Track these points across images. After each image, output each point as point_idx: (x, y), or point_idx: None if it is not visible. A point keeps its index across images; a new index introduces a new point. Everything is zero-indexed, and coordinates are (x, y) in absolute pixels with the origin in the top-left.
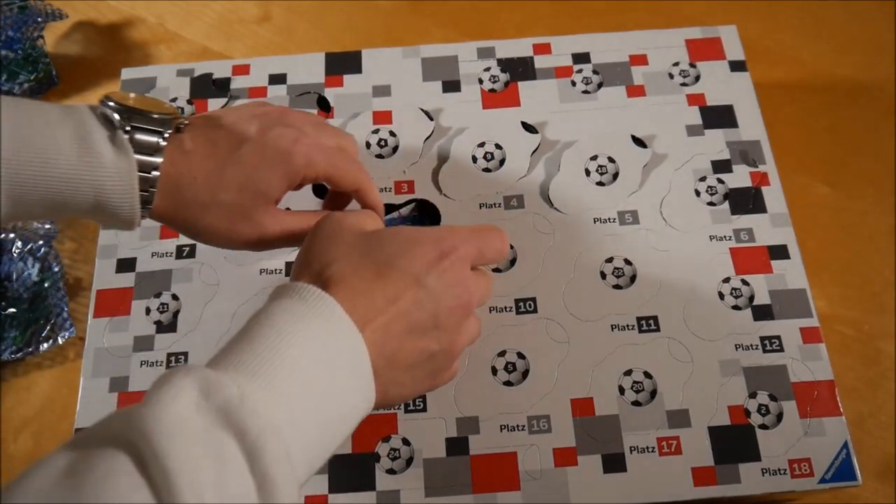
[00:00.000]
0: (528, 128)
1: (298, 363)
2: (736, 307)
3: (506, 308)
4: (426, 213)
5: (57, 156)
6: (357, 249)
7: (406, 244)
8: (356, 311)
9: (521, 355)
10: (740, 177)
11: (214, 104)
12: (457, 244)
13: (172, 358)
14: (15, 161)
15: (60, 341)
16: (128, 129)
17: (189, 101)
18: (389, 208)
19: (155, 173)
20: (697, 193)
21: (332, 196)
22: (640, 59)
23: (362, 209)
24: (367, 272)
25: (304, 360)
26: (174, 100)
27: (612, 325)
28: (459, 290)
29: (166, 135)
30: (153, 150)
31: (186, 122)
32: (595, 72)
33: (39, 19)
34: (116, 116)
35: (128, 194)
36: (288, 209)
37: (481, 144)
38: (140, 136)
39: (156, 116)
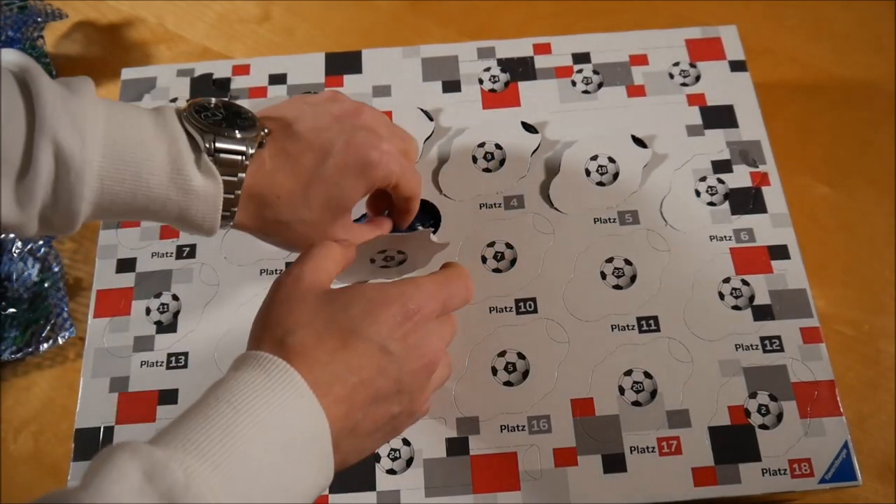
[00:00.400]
0: (529, 128)
1: (253, 445)
2: (736, 307)
3: (506, 308)
4: (427, 213)
5: (149, 176)
6: (320, 314)
7: (370, 306)
8: (319, 384)
9: (521, 355)
10: (740, 177)
11: None
12: (422, 304)
13: (172, 358)
14: (108, 176)
15: (60, 341)
16: (214, 149)
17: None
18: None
19: (238, 192)
20: (697, 193)
21: (378, 197)
22: (641, 59)
23: (319, 254)
24: (330, 341)
25: (259, 442)
26: (174, 100)
27: (612, 326)
28: (423, 351)
29: (250, 152)
30: (237, 168)
31: (266, 131)
32: (595, 72)
33: (39, 19)
34: (200, 140)
35: (211, 214)
36: (355, 221)
37: (481, 144)
38: (225, 157)
39: (239, 136)
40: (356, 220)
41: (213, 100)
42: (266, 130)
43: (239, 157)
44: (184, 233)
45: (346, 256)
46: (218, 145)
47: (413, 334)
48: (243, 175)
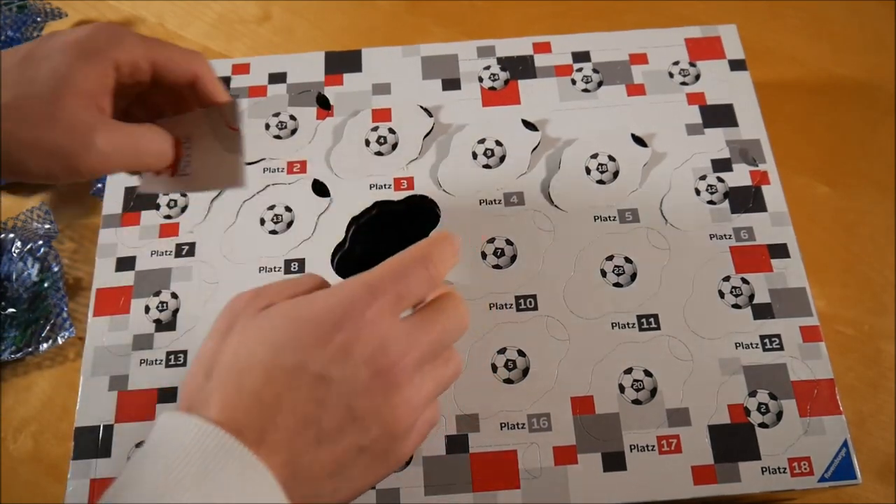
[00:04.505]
0: (529, 125)
1: None
2: (736, 306)
3: (506, 305)
4: (422, 209)
5: None
6: (235, 363)
7: (292, 327)
8: (245, 433)
9: (521, 353)
10: (740, 175)
11: None
12: (359, 308)
13: (171, 356)
14: None
15: (60, 341)
16: None
17: None
18: (386, 204)
19: None
20: (697, 192)
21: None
22: (640, 58)
23: (285, 282)
24: (251, 378)
25: None
26: None
27: (612, 323)
28: (376, 363)
29: None
30: None
31: None
32: (595, 70)
33: (39, 18)
34: None
35: None
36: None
37: (481, 141)
38: None
39: None
40: None
41: None
42: None
43: None
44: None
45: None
46: None
47: (357, 346)
48: None
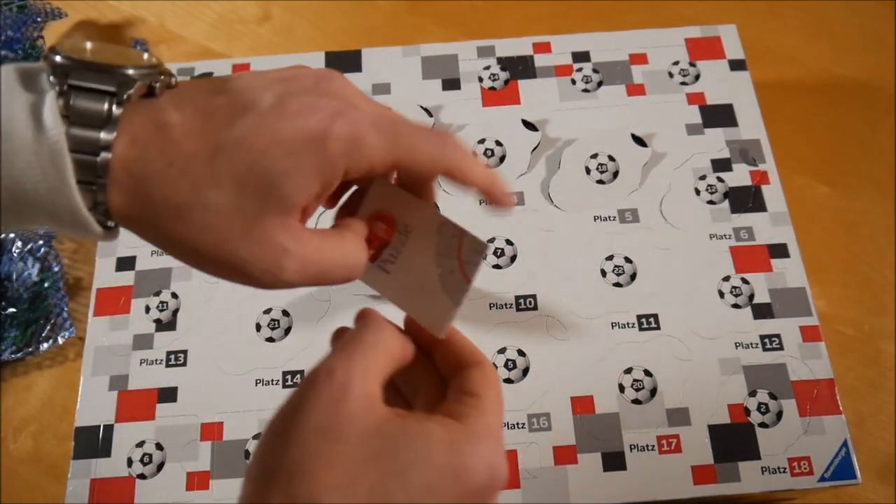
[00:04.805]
0: (529, 125)
1: None
2: (736, 305)
3: (506, 305)
4: None
5: None
6: (366, 476)
7: (440, 480)
8: None
9: (521, 352)
10: (740, 175)
11: None
12: (505, 473)
13: (171, 356)
14: None
15: (60, 341)
16: (64, 89)
17: None
18: None
19: (105, 155)
20: (697, 192)
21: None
22: (640, 58)
23: (370, 344)
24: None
25: None
26: None
27: (612, 323)
28: None
29: (124, 97)
30: (101, 121)
31: (164, 80)
32: (595, 70)
33: (39, 18)
34: (50, 76)
35: (56, 187)
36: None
37: (481, 141)
38: (82, 103)
39: (106, 71)
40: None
41: (90, 44)
42: (165, 80)
43: (103, 106)
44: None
45: (404, 348)
46: (73, 83)
47: None
48: (111, 135)
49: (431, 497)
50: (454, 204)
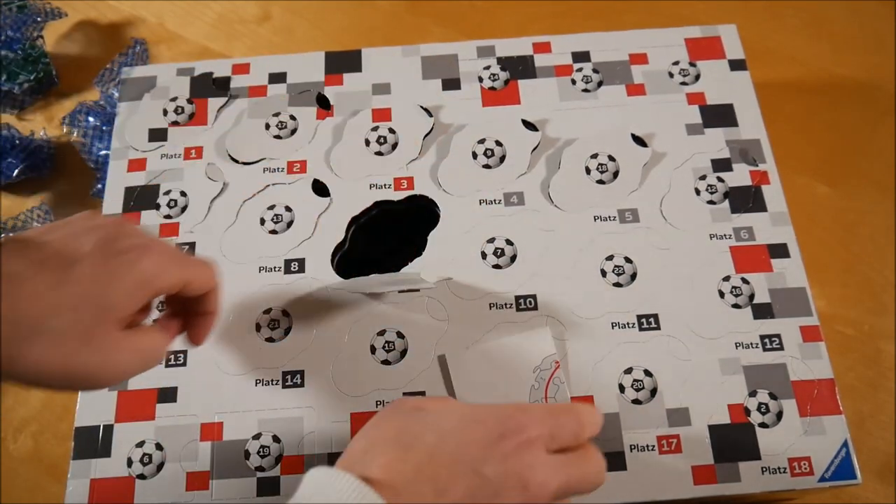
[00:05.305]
0: (529, 125)
1: None
2: (736, 305)
3: (506, 305)
4: (422, 209)
5: None
6: (407, 429)
7: (461, 423)
8: (402, 498)
9: None
10: (740, 175)
11: (215, 103)
12: (523, 427)
13: (171, 356)
14: None
15: None
16: None
17: (189, 101)
18: (386, 204)
19: None
20: (697, 192)
21: (176, 302)
22: (640, 58)
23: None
24: (415, 454)
25: None
26: (174, 99)
27: (612, 323)
28: (525, 480)
29: None
30: None
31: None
32: (595, 70)
33: (39, 18)
34: None
35: None
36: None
37: (481, 141)
38: None
39: None
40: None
41: None
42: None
43: None
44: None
45: None
46: None
47: (513, 458)
48: None
49: (457, 438)
50: (454, 203)
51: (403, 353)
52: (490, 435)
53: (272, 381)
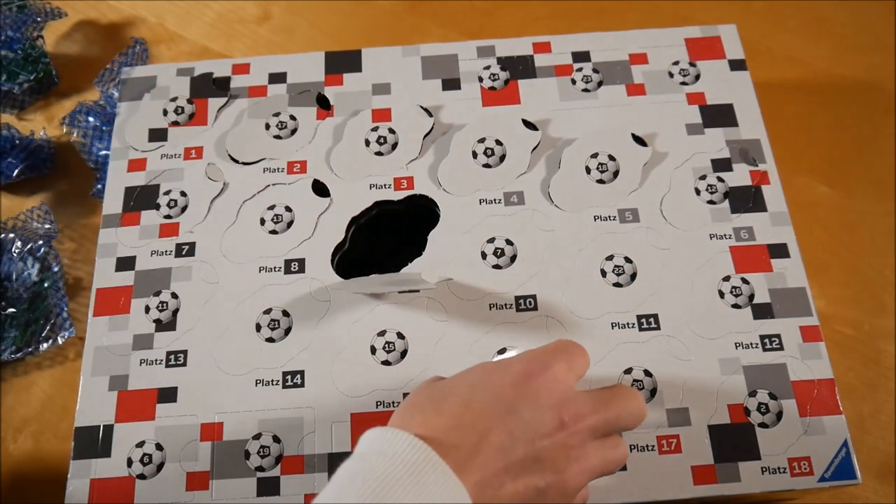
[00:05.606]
0: (529, 125)
1: None
2: (736, 305)
3: (506, 305)
4: (422, 209)
5: None
6: (440, 386)
7: (486, 372)
8: (448, 452)
9: None
10: (740, 175)
11: (215, 103)
12: (543, 364)
13: (171, 356)
14: None
15: (60, 341)
16: None
17: (189, 101)
18: (386, 204)
19: None
20: (697, 192)
21: None
22: (640, 58)
23: None
24: (450, 405)
25: None
26: (174, 99)
27: (612, 323)
28: (560, 412)
29: None
30: None
31: None
32: (595, 70)
33: (39, 18)
34: None
35: None
36: None
37: (481, 141)
38: None
39: None
40: None
41: None
42: None
43: None
44: (183, 231)
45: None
46: None
47: (543, 392)
48: None
49: (486, 382)
50: (454, 203)
51: (403, 353)
52: (517, 376)
53: (272, 381)
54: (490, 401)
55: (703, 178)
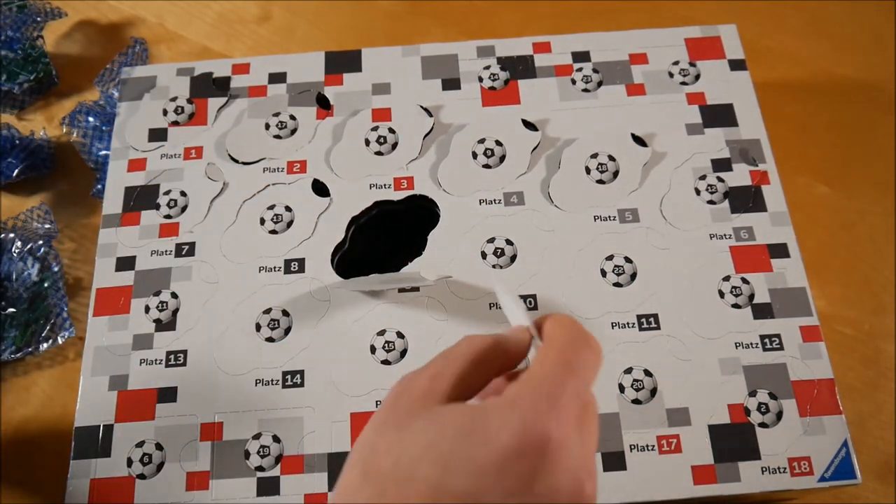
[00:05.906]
0: (529, 125)
1: None
2: (736, 305)
3: None
4: (422, 209)
5: None
6: (401, 465)
7: (466, 445)
8: None
9: None
10: (740, 175)
11: (215, 103)
12: (542, 426)
13: (171, 356)
14: None
15: (60, 341)
16: None
17: (189, 101)
18: (386, 204)
19: None
20: (697, 192)
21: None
22: (640, 58)
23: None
24: (414, 496)
25: None
26: (174, 99)
27: (612, 323)
28: (580, 498)
29: None
30: None
31: None
32: (595, 70)
33: (39, 18)
34: None
35: None
36: None
37: (481, 141)
38: None
39: None
40: None
41: None
42: None
43: None
44: (183, 230)
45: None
46: None
47: (540, 478)
48: None
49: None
50: (454, 203)
51: (403, 353)
52: (502, 454)
53: (272, 381)
54: (465, 495)
55: (703, 178)
